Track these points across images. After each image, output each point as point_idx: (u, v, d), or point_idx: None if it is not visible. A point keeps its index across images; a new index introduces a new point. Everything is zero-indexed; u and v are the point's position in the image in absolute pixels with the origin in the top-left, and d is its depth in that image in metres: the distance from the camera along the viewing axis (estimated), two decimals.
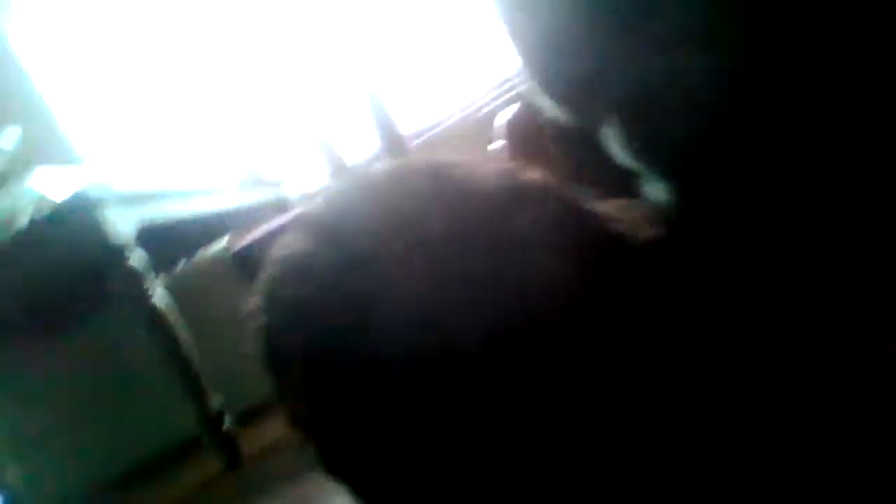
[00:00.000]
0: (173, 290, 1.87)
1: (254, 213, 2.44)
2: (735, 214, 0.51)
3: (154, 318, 1.75)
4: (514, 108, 1.32)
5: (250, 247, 1.76)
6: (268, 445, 1.91)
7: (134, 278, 1.74)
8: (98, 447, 3.01)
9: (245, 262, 1.76)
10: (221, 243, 2.84)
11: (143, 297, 1.74)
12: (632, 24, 0.50)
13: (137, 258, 1.76)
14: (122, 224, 1.77)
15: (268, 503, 1.33)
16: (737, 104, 0.49)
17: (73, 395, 3.03)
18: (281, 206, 2.55)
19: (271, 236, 1.77)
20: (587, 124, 0.80)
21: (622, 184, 0.55)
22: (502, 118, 1.27)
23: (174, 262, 2.75)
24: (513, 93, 1.65)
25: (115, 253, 1.73)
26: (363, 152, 2.65)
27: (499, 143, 1.45)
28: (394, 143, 1.77)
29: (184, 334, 1.80)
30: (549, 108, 0.88)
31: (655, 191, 0.60)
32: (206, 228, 2.36)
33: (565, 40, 0.53)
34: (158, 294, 1.78)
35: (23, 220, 1.85)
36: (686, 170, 0.54)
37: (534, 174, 0.37)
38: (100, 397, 2.99)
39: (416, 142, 1.69)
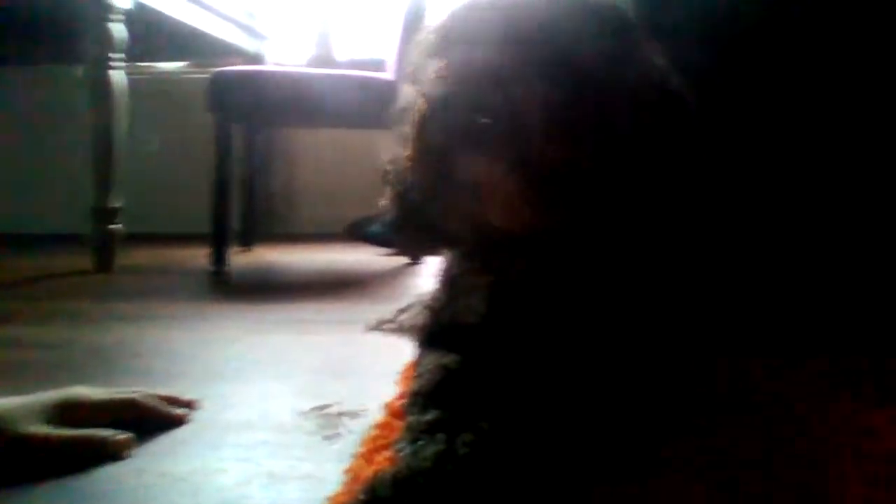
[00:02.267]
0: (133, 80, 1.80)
1: (236, 51, 2.39)
2: None
3: (102, 90, 1.69)
4: None
5: (225, 74, 1.77)
6: (141, 265, 1.89)
7: (108, 42, 1.68)
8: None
9: (217, 87, 1.75)
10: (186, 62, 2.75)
11: (104, 66, 1.69)
12: None
13: (118, 29, 1.69)
14: None
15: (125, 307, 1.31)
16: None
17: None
18: (257, 60, 2.49)
19: (246, 76, 1.77)
20: None
21: None
22: None
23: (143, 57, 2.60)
24: None
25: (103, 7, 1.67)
26: None
27: None
28: None
29: (121, 125, 1.74)
30: None
31: None
32: (194, 42, 2.27)
33: None
34: (118, 76, 1.72)
35: None
36: None
37: None
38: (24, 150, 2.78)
39: None
